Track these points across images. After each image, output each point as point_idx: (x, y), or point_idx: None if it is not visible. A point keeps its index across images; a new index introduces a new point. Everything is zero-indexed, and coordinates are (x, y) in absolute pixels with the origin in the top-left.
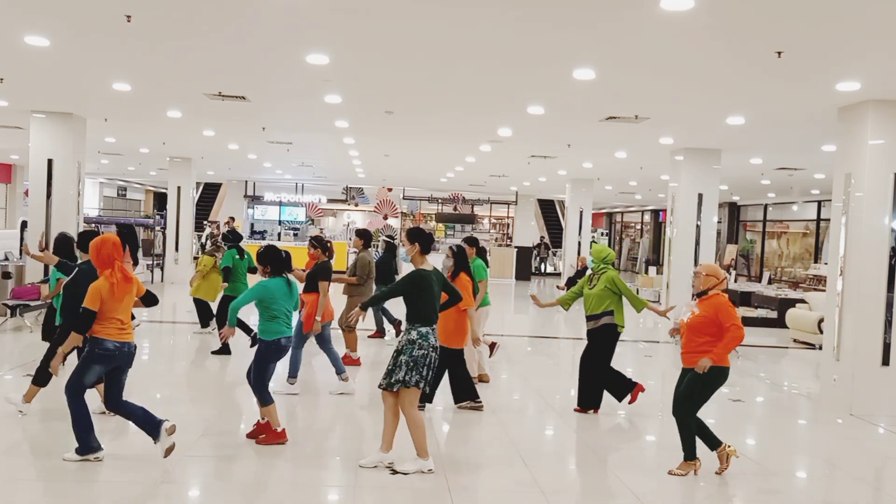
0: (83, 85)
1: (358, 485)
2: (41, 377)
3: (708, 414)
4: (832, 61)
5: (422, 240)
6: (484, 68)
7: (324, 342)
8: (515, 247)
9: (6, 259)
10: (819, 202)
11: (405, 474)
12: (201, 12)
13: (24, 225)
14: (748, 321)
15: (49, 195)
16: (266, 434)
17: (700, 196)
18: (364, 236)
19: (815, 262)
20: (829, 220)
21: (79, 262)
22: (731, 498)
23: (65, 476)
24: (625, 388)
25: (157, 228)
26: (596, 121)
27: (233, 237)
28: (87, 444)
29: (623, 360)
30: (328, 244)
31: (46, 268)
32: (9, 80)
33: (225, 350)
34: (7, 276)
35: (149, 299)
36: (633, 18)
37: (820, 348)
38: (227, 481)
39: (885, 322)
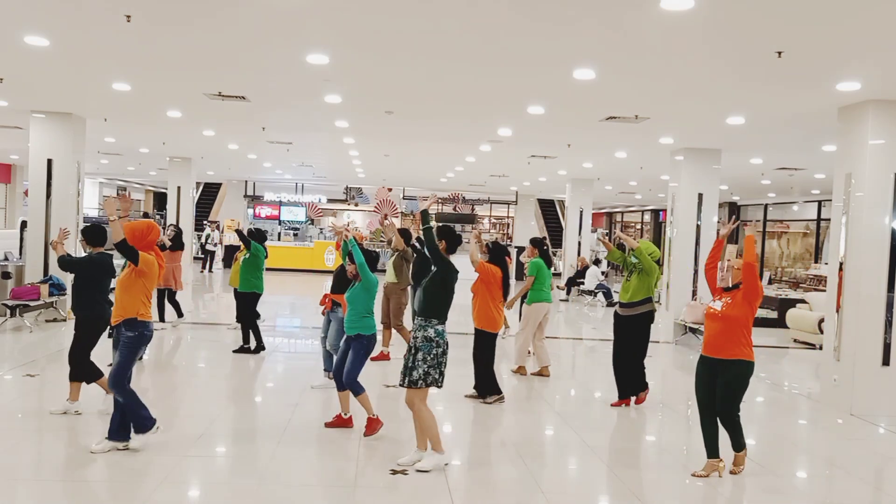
0: (83, 85)
1: (358, 484)
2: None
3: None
4: (832, 61)
5: (449, 238)
6: (484, 68)
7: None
8: (515, 247)
9: (6, 259)
10: (819, 202)
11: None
12: (201, 12)
13: (23, 225)
14: None
15: (49, 195)
16: (368, 424)
17: (700, 196)
18: (404, 235)
19: (816, 262)
20: (829, 220)
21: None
22: (731, 498)
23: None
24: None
25: None
26: (596, 121)
27: (258, 235)
28: (147, 417)
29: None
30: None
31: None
32: (9, 80)
33: (245, 350)
34: (7, 276)
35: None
36: (633, 18)
37: (820, 348)
38: (227, 481)
39: (885, 322)
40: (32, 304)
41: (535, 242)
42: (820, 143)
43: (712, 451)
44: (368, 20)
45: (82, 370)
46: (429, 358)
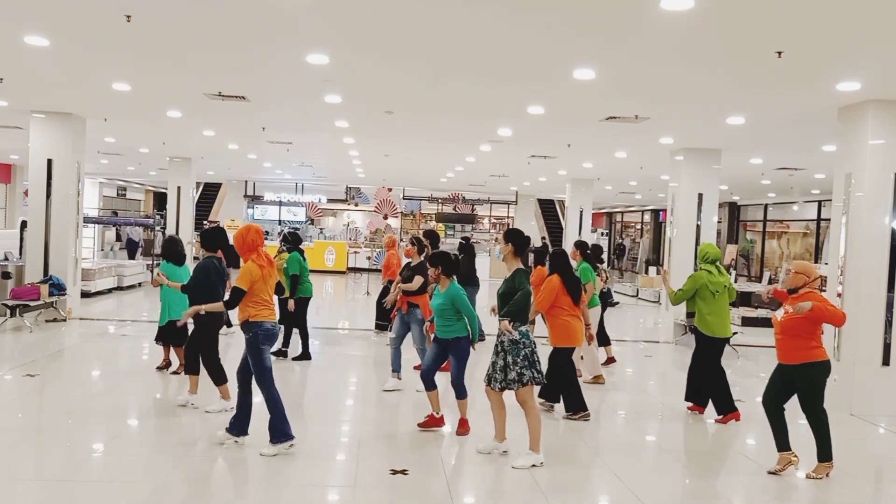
0: (83, 85)
1: (358, 484)
2: (192, 366)
3: (708, 414)
4: (832, 61)
5: (516, 241)
6: (484, 68)
7: (398, 339)
8: None
9: (6, 259)
10: (819, 202)
11: (521, 468)
12: (201, 12)
13: (23, 225)
14: (748, 321)
15: (49, 195)
16: (460, 424)
17: (700, 196)
18: (431, 237)
19: (816, 262)
20: (829, 220)
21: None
22: (731, 497)
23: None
24: (726, 405)
25: (157, 228)
26: (596, 121)
27: (293, 240)
28: (283, 431)
29: (623, 361)
30: (426, 246)
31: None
32: (9, 80)
33: (305, 356)
34: (7, 276)
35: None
36: (633, 18)
37: None
38: (227, 480)
39: (885, 322)
40: (32, 304)
41: (579, 245)
42: (820, 143)
43: (781, 444)
44: (368, 21)
45: (211, 370)
46: (518, 360)
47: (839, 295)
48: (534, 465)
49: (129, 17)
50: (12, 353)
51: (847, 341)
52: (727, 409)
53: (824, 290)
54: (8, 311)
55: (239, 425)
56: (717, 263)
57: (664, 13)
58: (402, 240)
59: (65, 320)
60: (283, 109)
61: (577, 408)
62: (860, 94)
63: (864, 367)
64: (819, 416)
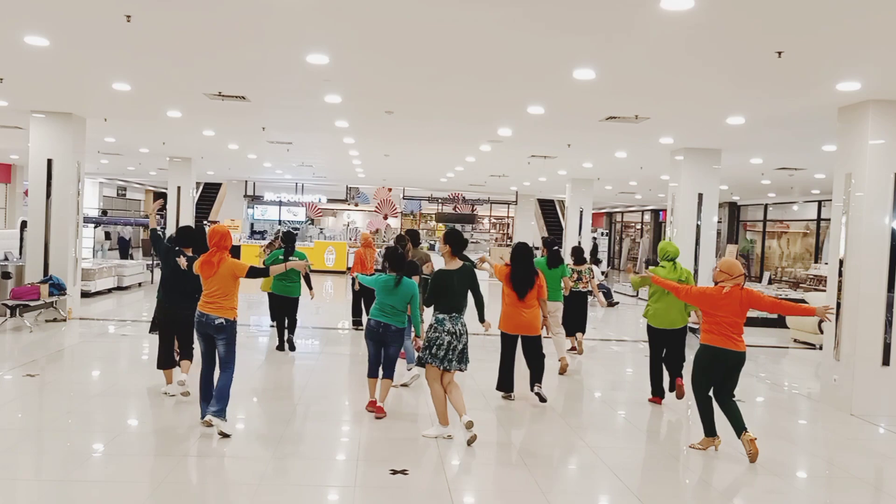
0: (83, 85)
1: (358, 484)
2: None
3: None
4: (832, 61)
5: (454, 242)
6: (484, 68)
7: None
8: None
9: (6, 259)
10: (819, 202)
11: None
12: (201, 12)
13: (23, 225)
14: (749, 321)
15: (49, 195)
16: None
17: (700, 196)
18: (410, 235)
19: (816, 262)
20: (829, 219)
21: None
22: (730, 497)
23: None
24: (655, 388)
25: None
26: (596, 121)
27: (286, 239)
28: (202, 409)
29: (623, 360)
30: (407, 243)
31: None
32: (9, 80)
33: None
34: (7, 276)
35: (254, 273)
36: (633, 18)
37: (820, 348)
38: (227, 480)
39: (885, 322)
40: (32, 304)
41: (545, 242)
42: (820, 143)
43: (737, 428)
44: (368, 21)
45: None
46: (426, 340)
47: (839, 294)
48: (438, 437)
49: (129, 17)
50: (12, 353)
51: (847, 341)
52: (655, 392)
53: (823, 290)
54: (8, 311)
55: (211, 400)
56: (676, 261)
57: (664, 13)
58: None
59: (65, 320)
60: (283, 109)
61: (500, 386)
62: (860, 94)
63: (864, 367)
64: (694, 393)
